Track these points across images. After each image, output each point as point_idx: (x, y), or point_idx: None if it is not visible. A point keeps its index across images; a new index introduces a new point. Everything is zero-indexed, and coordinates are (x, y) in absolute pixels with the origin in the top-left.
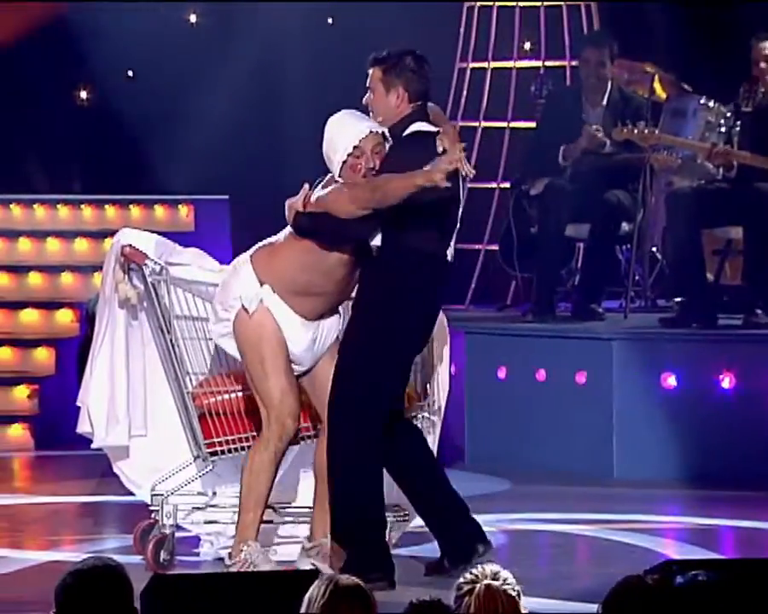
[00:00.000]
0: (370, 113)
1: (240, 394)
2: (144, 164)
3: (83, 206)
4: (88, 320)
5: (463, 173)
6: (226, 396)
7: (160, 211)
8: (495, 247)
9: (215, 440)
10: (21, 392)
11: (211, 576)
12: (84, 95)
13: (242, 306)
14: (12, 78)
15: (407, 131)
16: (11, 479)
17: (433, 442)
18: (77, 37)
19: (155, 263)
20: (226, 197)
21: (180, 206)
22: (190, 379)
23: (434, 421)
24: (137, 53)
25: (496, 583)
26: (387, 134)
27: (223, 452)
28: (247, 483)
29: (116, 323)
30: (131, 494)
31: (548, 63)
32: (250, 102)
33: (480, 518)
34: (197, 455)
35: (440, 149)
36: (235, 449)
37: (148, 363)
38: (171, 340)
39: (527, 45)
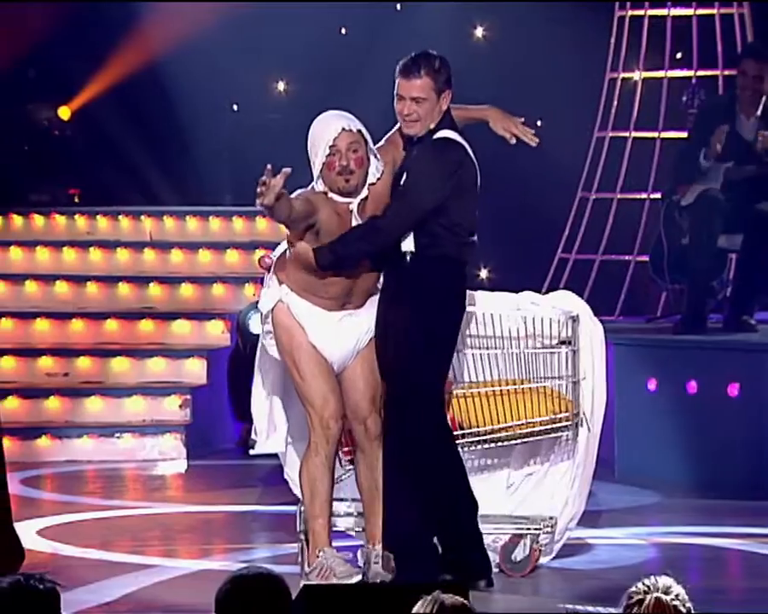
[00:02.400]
0: (407, 125)
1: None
2: (299, 173)
3: (234, 218)
4: (238, 330)
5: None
6: None
7: None
8: (645, 258)
9: (353, 448)
10: (173, 402)
11: (358, 587)
12: (236, 107)
13: (272, 310)
14: (166, 91)
15: (437, 135)
16: (164, 489)
17: (583, 453)
18: (228, 50)
19: None
20: None
21: None
22: None
23: (583, 433)
24: (289, 65)
25: (667, 597)
26: (365, 132)
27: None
28: (308, 492)
29: None
30: (283, 504)
31: (700, 73)
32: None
33: (629, 531)
34: (341, 463)
35: None
36: None
37: None
38: None
39: (679, 55)
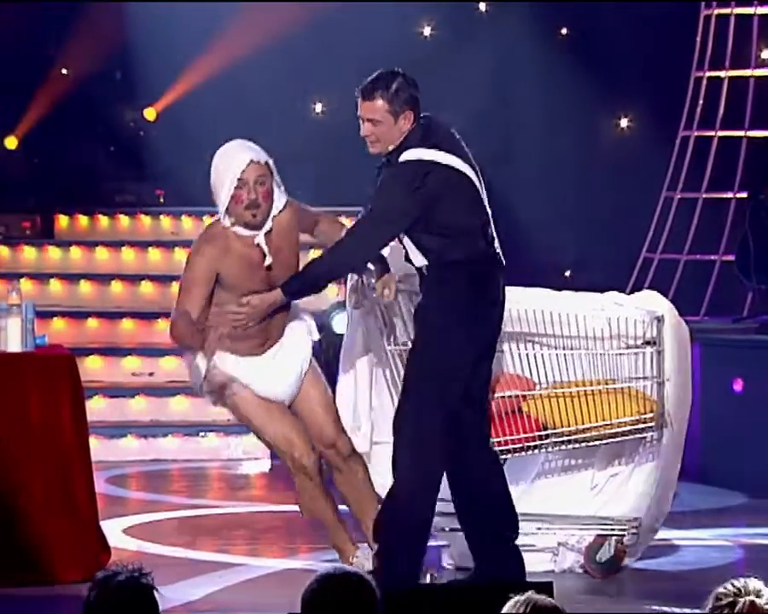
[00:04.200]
0: (369, 145)
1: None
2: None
3: None
4: (321, 331)
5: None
6: None
7: None
8: (731, 258)
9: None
10: None
11: (442, 588)
12: (318, 107)
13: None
14: (245, 91)
15: (402, 157)
16: (248, 488)
17: (667, 454)
18: (311, 50)
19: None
20: None
21: None
22: None
23: (668, 433)
24: (371, 66)
25: (760, 601)
26: (272, 163)
27: None
28: (317, 513)
29: (355, 331)
30: None
31: None
32: (481, 114)
33: (715, 532)
34: None
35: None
36: None
37: (395, 370)
38: (390, 351)
39: (765, 54)
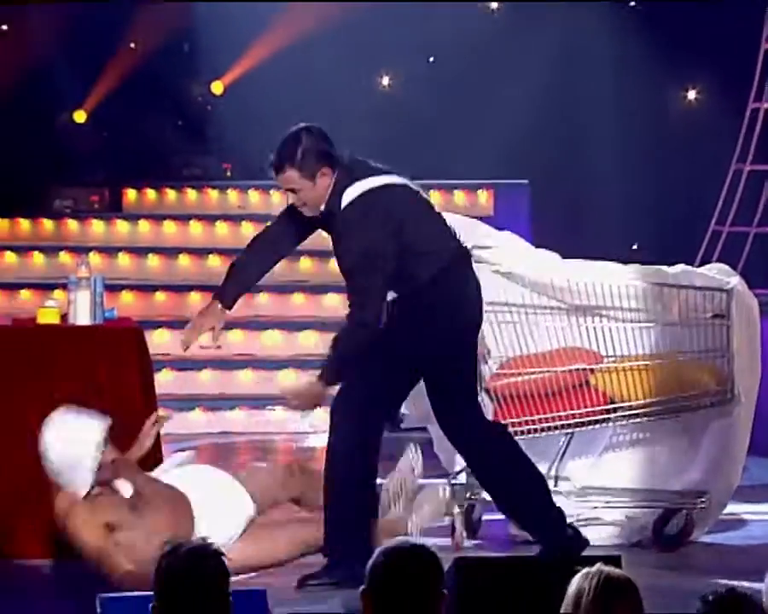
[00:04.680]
0: (302, 209)
1: (534, 376)
2: (444, 149)
3: None
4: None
5: None
6: (519, 379)
7: (459, 196)
8: None
9: (502, 422)
10: None
11: (510, 561)
12: (386, 80)
13: None
14: (312, 65)
15: (353, 196)
16: (314, 461)
17: (736, 428)
18: (380, 24)
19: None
20: (526, 182)
21: (480, 192)
22: (489, 363)
23: (737, 407)
24: (438, 39)
25: None
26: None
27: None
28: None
29: None
30: (434, 476)
31: None
32: (549, 88)
33: None
34: None
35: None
36: (525, 431)
37: None
38: None
39: None
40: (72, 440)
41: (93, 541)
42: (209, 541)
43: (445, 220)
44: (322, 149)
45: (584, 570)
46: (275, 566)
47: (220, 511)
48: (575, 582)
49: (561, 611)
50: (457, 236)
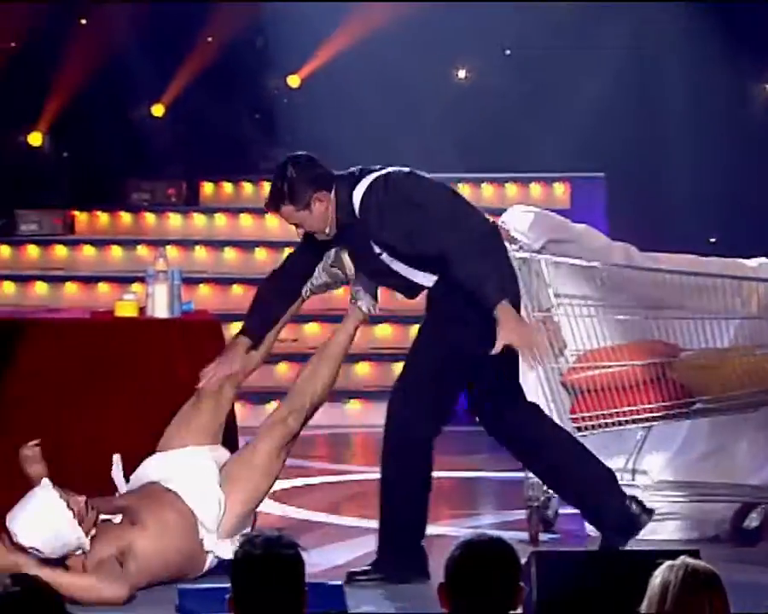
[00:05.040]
0: (313, 235)
1: (612, 369)
2: (520, 141)
3: (460, 185)
4: None
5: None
6: (596, 372)
7: (536, 188)
8: None
9: (579, 415)
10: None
11: (588, 554)
12: (462, 73)
13: None
14: (387, 58)
15: (364, 187)
16: None
17: None
18: (455, 16)
19: (528, 239)
20: (602, 175)
21: (556, 184)
22: (566, 357)
23: None
24: (514, 31)
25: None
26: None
27: (587, 428)
28: None
29: None
30: (510, 470)
31: None
32: (625, 81)
33: None
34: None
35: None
36: (603, 425)
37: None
38: (534, 317)
39: None
40: (36, 519)
41: (118, 590)
42: (292, 539)
43: (465, 200)
44: (310, 176)
45: (668, 563)
46: (280, 461)
47: (187, 473)
48: (659, 575)
49: (645, 603)
50: (480, 212)
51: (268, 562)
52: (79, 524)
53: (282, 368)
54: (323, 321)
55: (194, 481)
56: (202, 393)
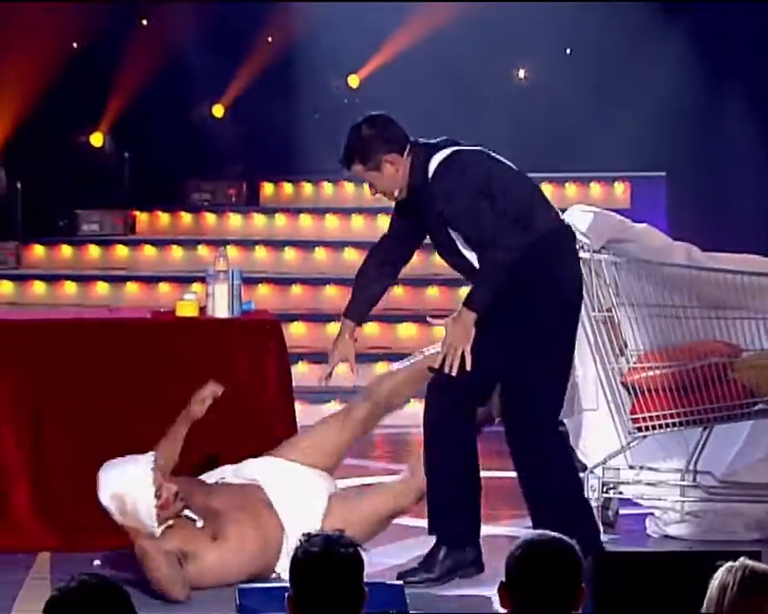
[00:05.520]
0: (386, 197)
1: (673, 370)
2: (580, 141)
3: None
4: None
5: None
6: (657, 372)
7: (595, 188)
8: None
9: (640, 415)
10: None
11: (646, 555)
12: (522, 73)
13: None
14: (446, 59)
15: (440, 159)
16: None
17: None
18: (515, 16)
19: (588, 239)
20: (663, 174)
21: (616, 183)
22: (626, 357)
23: None
24: (574, 31)
25: None
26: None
27: (648, 428)
28: None
29: None
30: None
31: None
32: (686, 80)
33: None
34: (628, 431)
35: None
36: (663, 425)
37: (599, 337)
38: (594, 317)
39: None
40: (123, 483)
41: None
42: (351, 539)
43: (541, 193)
44: (384, 137)
45: (728, 564)
46: (381, 527)
47: (297, 494)
48: (719, 577)
49: (704, 605)
50: (555, 209)
51: (327, 560)
52: (159, 513)
53: (341, 368)
54: (382, 321)
55: (300, 505)
56: (335, 413)
